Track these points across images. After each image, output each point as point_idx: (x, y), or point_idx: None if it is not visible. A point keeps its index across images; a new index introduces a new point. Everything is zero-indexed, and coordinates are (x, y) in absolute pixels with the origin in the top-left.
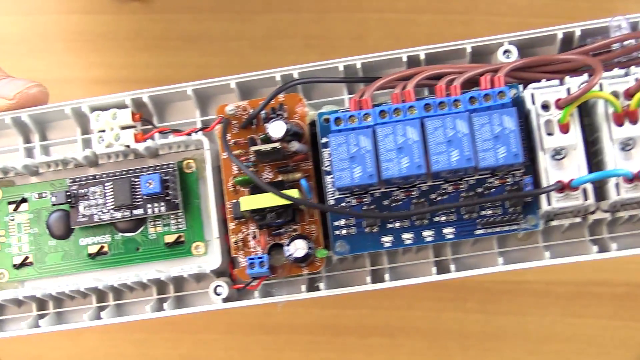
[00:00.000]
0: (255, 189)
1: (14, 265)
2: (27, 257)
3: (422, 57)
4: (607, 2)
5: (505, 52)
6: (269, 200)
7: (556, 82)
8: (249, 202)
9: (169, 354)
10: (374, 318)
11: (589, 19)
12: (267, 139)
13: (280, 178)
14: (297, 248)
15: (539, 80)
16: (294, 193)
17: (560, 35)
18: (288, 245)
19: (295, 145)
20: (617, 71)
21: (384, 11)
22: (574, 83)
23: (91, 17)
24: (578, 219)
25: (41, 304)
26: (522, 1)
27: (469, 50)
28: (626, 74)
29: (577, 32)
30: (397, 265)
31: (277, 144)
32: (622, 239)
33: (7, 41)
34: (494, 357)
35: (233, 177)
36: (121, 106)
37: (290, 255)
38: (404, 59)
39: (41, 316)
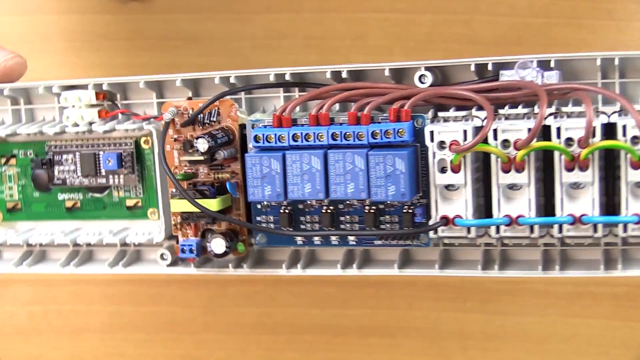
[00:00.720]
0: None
1: (7, 210)
2: (17, 204)
3: (344, 75)
4: (608, 2)
5: (421, 76)
6: (186, 207)
7: (460, 114)
8: (178, 205)
9: (169, 354)
10: (374, 318)
11: (588, 19)
12: (192, 146)
13: (212, 174)
14: (217, 245)
15: (448, 108)
16: (211, 201)
17: (472, 68)
18: (210, 242)
19: (221, 155)
20: (515, 110)
21: (384, 11)
22: (470, 126)
23: (91, 17)
24: (466, 241)
25: (28, 247)
26: (522, 1)
27: (387, 73)
28: (528, 114)
29: (489, 66)
30: (315, 255)
31: (202, 157)
32: (512, 263)
33: (7, 41)
34: (494, 357)
35: (177, 167)
36: (82, 87)
37: (211, 250)
38: (328, 75)
39: (24, 259)
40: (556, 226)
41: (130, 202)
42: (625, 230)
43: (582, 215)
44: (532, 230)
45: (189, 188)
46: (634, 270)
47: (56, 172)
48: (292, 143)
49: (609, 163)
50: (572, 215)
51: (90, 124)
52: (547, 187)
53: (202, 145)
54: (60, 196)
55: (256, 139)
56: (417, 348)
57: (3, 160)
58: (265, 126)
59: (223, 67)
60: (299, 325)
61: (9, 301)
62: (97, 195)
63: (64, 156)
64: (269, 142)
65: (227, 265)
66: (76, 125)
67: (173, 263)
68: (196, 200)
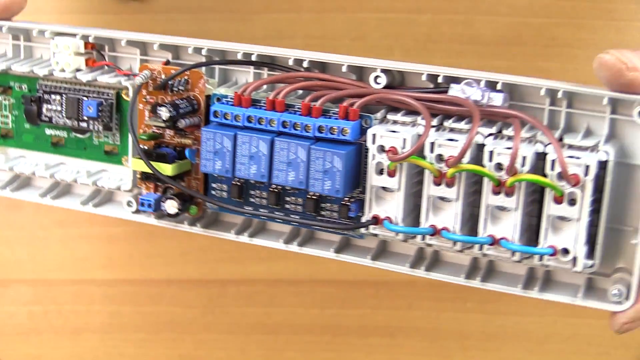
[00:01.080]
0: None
1: (1, 135)
2: (10, 132)
3: (306, 64)
4: (608, 2)
5: (376, 77)
6: (143, 167)
7: (407, 119)
8: (137, 164)
9: (169, 354)
10: (374, 318)
11: (589, 19)
12: (156, 113)
13: (175, 138)
14: (170, 206)
15: (400, 112)
16: (166, 166)
17: (424, 77)
18: (164, 202)
19: (182, 123)
20: (459, 124)
21: (384, 11)
22: (410, 134)
23: (91, 17)
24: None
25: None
26: (522, 1)
27: (344, 69)
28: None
29: (440, 78)
30: (266, 225)
31: (164, 124)
32: (442, 265)
33: None
34: (494, 357)
35: (145, 127)
36: (71, 35)
37: (164, 210)
38: (291, 62)
39: (9, 184)
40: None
41: (108, 148)
42: (541, 259)
43: (502, 238)
44: (454, 244)
45: (152, 148)
46: (550, 294)
47: (44, 110)
48: (246, 124)
49: (541, 188)
50: (492, 236)
51: (77, 71)
52: (477, 204)
53: (164, 114)
54: (48, 131)
55: (215, 114)
56: (417, 348)
57: (1, 89)
58: (227, 102)
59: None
60: (299, 325)
61: (9, 301)
62: (79, 136)
63: (52, 96)
64: (226, 119)
65: (183, 223)
66: (63, 70)
67: (138, 211)
68: (152, 163)
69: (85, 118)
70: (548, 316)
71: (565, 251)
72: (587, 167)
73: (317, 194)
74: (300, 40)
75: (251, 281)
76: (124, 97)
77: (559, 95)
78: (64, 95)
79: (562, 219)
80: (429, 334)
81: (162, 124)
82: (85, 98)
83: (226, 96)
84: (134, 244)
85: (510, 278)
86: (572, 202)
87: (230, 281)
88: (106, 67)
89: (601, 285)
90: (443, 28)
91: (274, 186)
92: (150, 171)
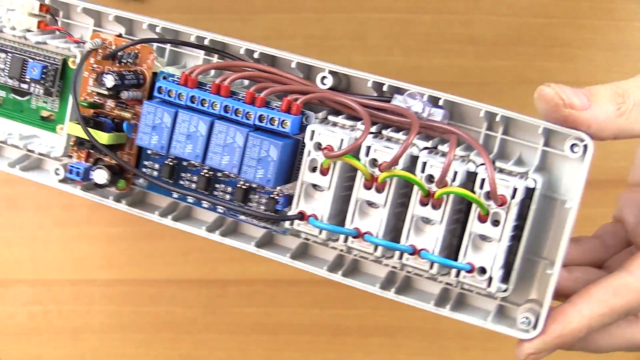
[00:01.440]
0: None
1: None
2: None
3: (256, 55)
4: (608, 2)
5: (323, 78)
6: (79, 131)
7: (348, 122)
8: (73, 129)
9: (169, 354)
10: (374, 318)
11: (589, 19)
12: (102, 84)
13: (114, 111)
14: (99, 176)
15: (338, 113)
16: (103, 135)
17: (369, 84)
18: (94, 171)
19: (126, 95)
20: (397, 134)
21: (384, 11)
22: (348, 136)
23: None
24: (320, 241)
25: None
26: (522, 1)
27: (293, 65)
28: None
29: (385, 87)
30: (191, 212)
31: (107, 92)
32: (358, 274)
33: None
34: (494, 357)
35: (87, 95)
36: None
37: (92, 179)
38: (242, 51)
39: None
40: (397, 252)
41: (44, 113)
42: (457, 275)
43: (422, 249)
44: (375, 249)
45: (91, 116)
46: (461, 314)
47: None
48: (189, 104)
49: (467, 208)
50: (413, 246)
51: (27, 31)
52: (402, 217)
53: (109, 81)
54: None
55: (159, 90)
56: (417, 348)
57: None
58: (173, 81)
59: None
60: (299, 325)
61: (9, 301)
62: (18, 97)
63: None
64: (169, 96)
65: (108, 197)
66: (13, 28)
67: (64, 180)
68: (89, 129)
69: (28, 79)
70: None
71: (482, 270)
72: (515, 190)
73: (248, 184)
74: (300, 40)
75: (251, 281)
76: (70, 65)
77: (497, 119)
78: (9, 53)
79: (484, 238)
80: (429, 334)
81: (106, 92)
82: (30, 60)
83: (173, 75)
84: (134, 244)
85: (424, 295)
86: (495, 222)
87: (230, 281)
88: (57, 32)
89: (511, 314)
90: (443, 28)
91: (205, 170)
92: (85, 137)
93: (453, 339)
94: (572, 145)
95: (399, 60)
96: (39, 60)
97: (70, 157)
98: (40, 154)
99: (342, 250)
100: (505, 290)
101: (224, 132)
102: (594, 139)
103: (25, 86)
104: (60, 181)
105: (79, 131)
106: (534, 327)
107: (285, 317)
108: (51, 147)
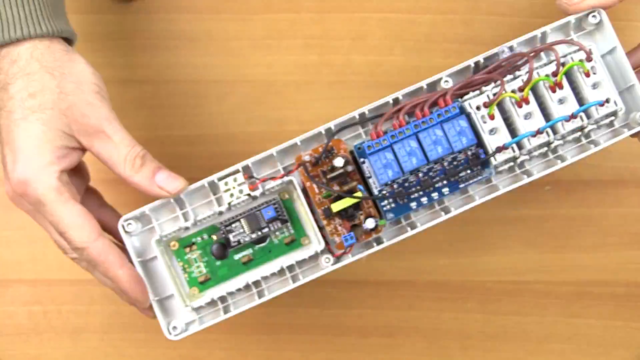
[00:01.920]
0: (335, 199)
1: (200, 283)
2: (207, 277)
3: (400, 98)
4: None
5: (445, 81)
6: (346, 202)
7: (477, 92)
8: (338, 205)
9: (169, 354)
10: (374, 318)
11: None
12: (333, 168)
13: (343, 188)
14: (369, 223)
15: (468, 93)
16: (358, 194)
17: (472, 65)
18: (364, 222)
19: (348, 168)
20: (509, 77)
21: (384, 11)
22: (490, 91)
23: (91, 17)
24: (511, 163)
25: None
26: (523, 1)
27: (424, 87)
28: (514, 77)
29: (481, 60)
30: (420, 217)
31: (341, 170)
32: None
33: None
34: (494, 357)
35: (318, 194)
36: (235, 172)
37: (366, 227)
38: (390, 101)
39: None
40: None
41: (287, 240)
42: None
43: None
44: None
45: (332, 201)
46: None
47: (231, 238)
48: (390, 140)
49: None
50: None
51: (248, 195)
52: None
53: (340, 161)
54: (236, 256)
55: (368, 148)
56: (417, 348)
57: (187, 250)
58: (365, 143)
59: (223, 67)
60: (299, 325)
61: (9, 301)
62: (261, 245)
63: (233, 225)
64: (375, 147)
65: (372, 245)
66: (238, 198)
67: (340, 256)
68: (344, 199)
69: (266, 221)
70: (548, 316)
71: (607, 100)
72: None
73: (453, 164)
74: (300, 40)
75: None
76: (283, 198)
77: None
78: (241, 220)
79: (595, 85)
80: (429, 334)
81: (340, 171)
82: (257, 212)
83: (362, 142)
84: None
85: None
86: (594, 74)
87: None
88: (260, 185)
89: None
90: (443, 28)
91: (421, 175)
92: (346, 205)
93: (453, 339)
94: (590, 18)
95: (399, 60)
96: (265, 205)
97: (325, 253)
98: (309, 257)
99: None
100: None
101: (427, 136)
102: (604, 9)
103: (265, 230)
104: (334, 264)
105: (342, 204)
106: None
107: (285, 317)
108: (314, 252)
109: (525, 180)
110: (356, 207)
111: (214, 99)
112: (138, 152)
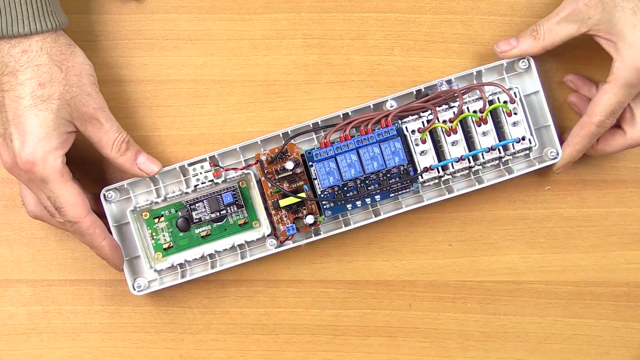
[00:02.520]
0: (283, 195)
1: (164, 249)
2: (170, 244)
3: (350, 113)
4: None
5: (391, 105)
6: (291, 200)
7: (416, 116)
8: (285, 202)
9: (169, 354)
10: (374, 318)
11: None
12: (284, 169)
13: (292, 186)
14: (309, 219)
15: (408, 116)
16: (302, 195)
17: (414, 92)
18: (305, 217)
19: (297, 170)
20: (444, 106)
21: (384, 11)
22: (426, 117)
23: (91, 17)
24: (436, 181)
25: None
26: (522, 1)
27: (371, 107)
28: (449, 107)
29: (422, 89)
30: (354, 216)
31: (291, 172)
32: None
33: None
34: (494, 357)
35: (270, 188)
36: (203, 160)
37: (307, 222)
38: (340, 115)
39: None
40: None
41: (241, 221)
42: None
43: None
44: (458, 162)
45: (280, 197)
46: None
47: (194, 215)
48: (336, 152)
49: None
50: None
51: (210, 181)
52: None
53: (289, 165)
54: (197, 231)
55: (316, 155)
56: (417, 348)
57: (156, 220)
58: (315, 149)
59: (223, 67)
60: (299, 325)
61: (9, 301)
62: (220, 223)
63: (197, 204)
64: (322, 156)
65: (312, 235)
66: (203, 183)
67: (284, 241)
68: (290, 196)
69: (223, 206)
70: (548, 316)
71: (523, 138)
72: (516, 93)
73: (387, 175)
74: (300, 40)
75: (251, 281)
76: (241, 186)
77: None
78: (204, 201)
79: (515, 124)
80: (429, 334)
81: (289, 173)
82: (218, 196)
83: (311, 149)
84: None
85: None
86: (515, 114)
87: (230, 281)
88: (223, 173)
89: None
90: (443, 28)
91: (359, 182)
92: (291, 202)
93: (453, 339)
94: (521, 63)
95: (399, 60)
96: (225, 191)
97: (270, 237)
98: (255, 239)
99: (440, 177)
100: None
101: (366, 152)
102: (531, 56)
103: (224, 212)
104: (278, 247)
105: (288, 200)
106: (556, 157)
107: (285, 317)
108: (262, 234)
109: (447, 195)
110: (300, 203)
111: (214, 99)
112: (124, 138)
